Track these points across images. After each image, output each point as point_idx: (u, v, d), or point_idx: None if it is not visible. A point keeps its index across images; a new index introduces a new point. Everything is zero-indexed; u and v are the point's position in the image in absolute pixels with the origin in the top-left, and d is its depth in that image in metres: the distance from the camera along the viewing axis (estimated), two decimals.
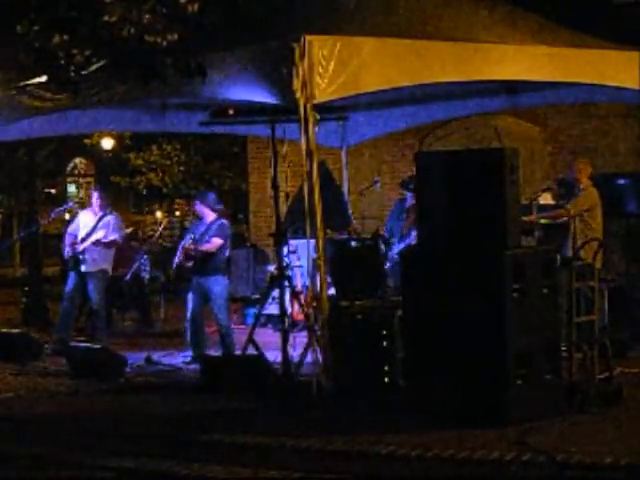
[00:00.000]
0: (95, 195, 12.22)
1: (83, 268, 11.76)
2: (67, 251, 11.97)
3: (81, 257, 11.74)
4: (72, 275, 11.86)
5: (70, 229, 12.21)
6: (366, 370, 8.60)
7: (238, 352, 10.11)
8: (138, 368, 10.53)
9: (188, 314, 10.90)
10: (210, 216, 10.97)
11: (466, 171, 8.02)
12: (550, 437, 7.14)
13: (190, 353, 10.84)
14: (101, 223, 11.86)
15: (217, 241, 10.79)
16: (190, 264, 10.81)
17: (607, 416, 7.68)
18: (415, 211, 11.61)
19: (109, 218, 11.94)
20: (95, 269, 11.76)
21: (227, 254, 11.10)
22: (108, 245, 11.84)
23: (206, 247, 10.75)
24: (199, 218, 11.21)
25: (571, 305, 8.30)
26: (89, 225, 11.94)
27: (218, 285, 10.79)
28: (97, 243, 11.74)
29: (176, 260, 10.96)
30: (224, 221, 11.09)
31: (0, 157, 23.62)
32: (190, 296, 10.88)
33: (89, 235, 11.79)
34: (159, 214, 32.36)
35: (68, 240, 12.02)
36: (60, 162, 31.93)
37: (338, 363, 8.58)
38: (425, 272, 8.08)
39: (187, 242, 10.87)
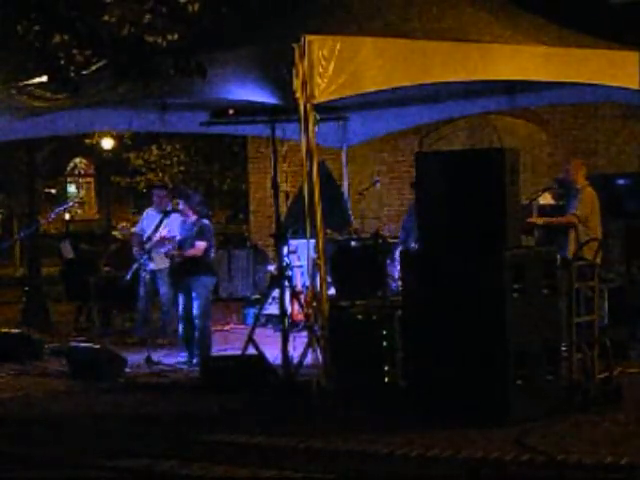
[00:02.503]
0: (156, 194, 12.55)
1: (152, 266, 11.87)
2: (136, 250, 12.16)
3: (148, 255, 11.84)
4: (142, 276, 12.01)
5: (137, 229, 12.48)
6: (366, 370, 8.60)
7: (216, 353, 10.16)
8: (138, 368, 10.53)
9: (180, 314, 10.93)
10: (191, 217, 10.97)
11: (466, 171, 8.01)
12: (550, 437, 7.13)
13: (184, 353, 10.86)
14: (165, 221, 11.97)
15: (201, 245, 10.76)
16: (176, 258, 10.87)
17: (607, 416, 7.67)
18: None
19: (172, 216, 12.04)
20: (164, 266, 11.78)
21: (213, 254, 11.11)
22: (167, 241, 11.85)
23: (191, 252, 10.75)
24: (183, 217, 11.25)
25: (571, 305, 8.30)
26: (153, 223, 12.06)
27: (201, 286, 10.74)
28: (163, 240, 11.79)
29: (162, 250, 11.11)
30: (205, 222, 11.03)
31: (0, 157, 23.61)
32: (180, 297, 10.90)
33: (155, 233, 11.93)
34: None
35: (136, 240, 12.28)
36: (60, 162, 31.92)
37: (338, 363, 8.58)
38: (425, 272, 8.08)
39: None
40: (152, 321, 12.45)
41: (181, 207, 11.04)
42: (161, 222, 11.86)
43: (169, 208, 12.06)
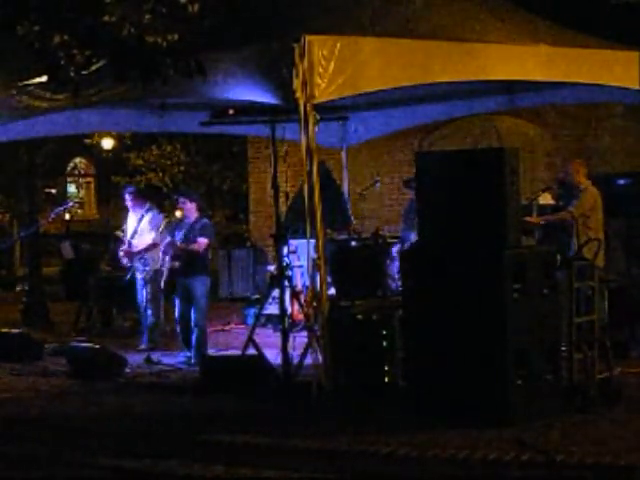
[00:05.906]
0: (127, 197, 12.21)
1: (148, 268, 11.76)
2: (125, 261, 12.06)
3: (141, 260, 11.81)
4: (137, 284, 11.93)
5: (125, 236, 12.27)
6: (366, 370, 8.60)
7: (212, 352, 10.16)
8: (138, 368, 10.53)
9: (177, 315, 10.94)
10: (194, 216, 11.00)
11: (466, 171, 8.02)
12: (550, 437, 7.14)
13: (185, 353, 10.87)
14: (141, 225, 11.88)
15: (204, 241, 10.83)
16: (177, 264, 10.83)
17: (607, 416, 7.67)
18: None
19: (148, 218, 11.94)
20: (157, 267, 11.64)
21: (210, 255, 11.15)
22: (153, 246, 11.73)
23: (194, 247, 10.77)
24: (183, 217, 11.23)
25: (571, 305, 8.30)
26: (131, 225, 12.01)
27: (201, 286, 10.80)
28: (153, 246, 11.68)
29: (166, 263, 11.00)
30: (207, 221, 11.20)
31: (0, 157, 23.62)
32: (177, 297, 10.91)
33: (132, 238, 11.86)
34: None
35: (119, 245, 12.18)
36: (60, 162, 31.88)
37: (338, 363, 8.58)
38: (425, 272, 8.08)
39: (167, 241, 10.99)
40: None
41: (187, 207, 11.04)
42: (137, 227, 11.83)
43: (145, 208, 12.02)
